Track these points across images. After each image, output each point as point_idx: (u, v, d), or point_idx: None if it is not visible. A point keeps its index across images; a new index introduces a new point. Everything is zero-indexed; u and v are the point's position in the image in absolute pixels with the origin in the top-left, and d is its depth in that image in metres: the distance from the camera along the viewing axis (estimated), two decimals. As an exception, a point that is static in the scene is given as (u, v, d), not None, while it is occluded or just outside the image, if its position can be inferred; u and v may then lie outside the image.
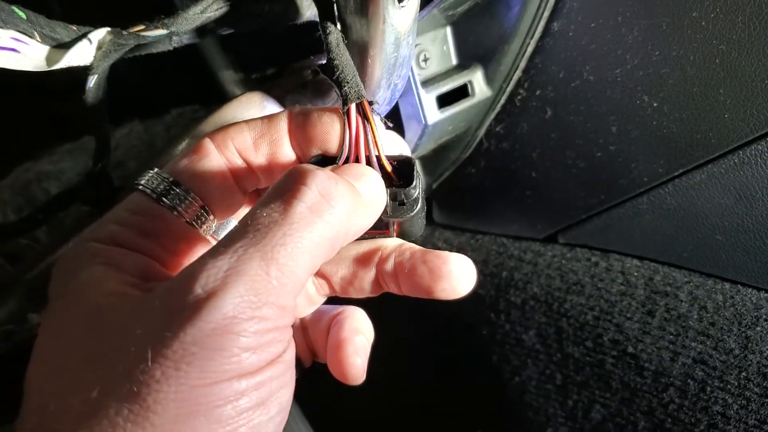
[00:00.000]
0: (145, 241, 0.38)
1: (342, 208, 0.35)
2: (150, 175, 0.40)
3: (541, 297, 0.78)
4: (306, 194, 0.33)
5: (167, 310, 0.30)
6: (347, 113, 0.40)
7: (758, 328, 0.62)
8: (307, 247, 0.32)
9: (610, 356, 0.71)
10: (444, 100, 0.67)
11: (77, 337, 0.33)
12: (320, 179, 0.34)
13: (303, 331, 0.52)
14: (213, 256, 0.31)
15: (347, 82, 0.41)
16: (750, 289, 0.64)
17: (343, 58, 0.43)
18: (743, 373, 0.62)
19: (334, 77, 0.42)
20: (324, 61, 0.60)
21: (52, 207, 0.56)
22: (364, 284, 0.46)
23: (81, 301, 0.34)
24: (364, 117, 0.40)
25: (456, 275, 0.41)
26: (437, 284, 0.42)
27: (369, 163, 0.41)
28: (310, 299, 0.49)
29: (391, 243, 0.46)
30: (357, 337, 0.47)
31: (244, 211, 0.47)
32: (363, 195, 0.37)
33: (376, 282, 0.46)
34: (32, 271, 0.58)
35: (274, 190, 0.34)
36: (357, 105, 0.41)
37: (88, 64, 0.47)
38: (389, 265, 0.44)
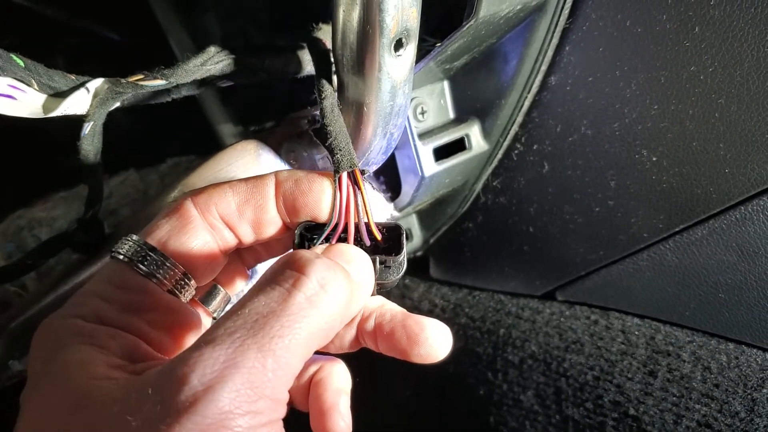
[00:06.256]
0: (128, 318, 0.37)
1: (340, 298, 0.34)
2: (128, 243, 0.39)
3: (539, 356, 0.76)
4: (305, 285, 0.33)
5: (162, 400, 0.29)
6: (339, 181, 0.40)
7: (764, 390, 0.60)
8: (304, 339, 0.32)
9: (610, 418, 0.69)
10: (441, 153, 0.67)
11: (64, 422, 0.32)
12: (320, 270, 0.34)
13: None
14: (209, 345, 0.30)
15: (340, 150, 0.42)
16: (755, 350, 0.62)
17: (337, 125, 0.43)
18: (750, 438, 0.59)
19: (327, 143, 0.42)
20: (317, 112, 0.61)
21: (42, 254, 0.55)
22: (345, 342, 0.47)
23: (68, 384, 0.33)
24: (355, 185, 0.41)
25: (432, 342, 0.42)
26: (413, 349, 0.42)
27: (357, 229, 0.41)
28: None
29: (372, 303, 0.46)
30: (341, 402, 0.47)
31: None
32: (356, 281, 0.37)
33: (356, 339, 0.46)
34: (18, 319, 0.57)
35: (273, 277, 0.34)
36: (348, 173, 0.41)
37: (85, 113, 0.47)
38: (369, 324, 0.45)
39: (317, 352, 0.49)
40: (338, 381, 0.48)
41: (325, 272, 0.34)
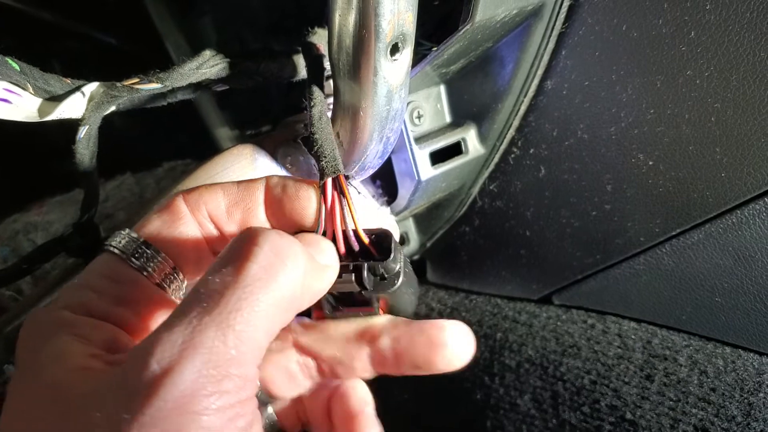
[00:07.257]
0: (116, 309, 0.37)
1: (296, 266, 0.33)
2: (120, 236, 0.39)
3: (536, 360, 0.76)
4: (258, 254, 0.32)
5: (124, 389, 0.29)
6: (323, 188, 0.40)
7: (761, 395, 0.60)
8: (264, 310, 0.31)
9: (607, 422, 0.69)
10: (437, 157, 0.67)
11: (39, 415, 0.31)
12: (272, 238, 0.33)
13: (295, 401, 0.51)
14: (167, 329, 0.29)
15: (325, 157, 0.42)
16: (751, 354, 0.62)
17: (324, 132, 0.43)
18: (747, 442, 0.59)
19: (313, 151, 0.43)
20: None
21: (37, 258, 0.55)
22: (355, 364, 0.46)
23: (44, 377, 0.32)
24: (340, 192, 0.41)
25: (454, 343, 0.43)
26: (436, 353, 0.42)
27: (346, 237, 0.40)
28: (292, 377, 0.48)
29: (380, 320, 0.46)
30: (368, 409, 0.47)
31: None
32: (316, 257, 0.36)
33: (370, 362, 0.46)
34: (13, 323, 0.57)
35: (225, 253, 0.33)
36: (333, 179, 0.41)
37: (80, 117, 0.47)
38: (384, 341, 0.44)
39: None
40: (361, 392, 0.48)
41: (279, 241, 0.33)
